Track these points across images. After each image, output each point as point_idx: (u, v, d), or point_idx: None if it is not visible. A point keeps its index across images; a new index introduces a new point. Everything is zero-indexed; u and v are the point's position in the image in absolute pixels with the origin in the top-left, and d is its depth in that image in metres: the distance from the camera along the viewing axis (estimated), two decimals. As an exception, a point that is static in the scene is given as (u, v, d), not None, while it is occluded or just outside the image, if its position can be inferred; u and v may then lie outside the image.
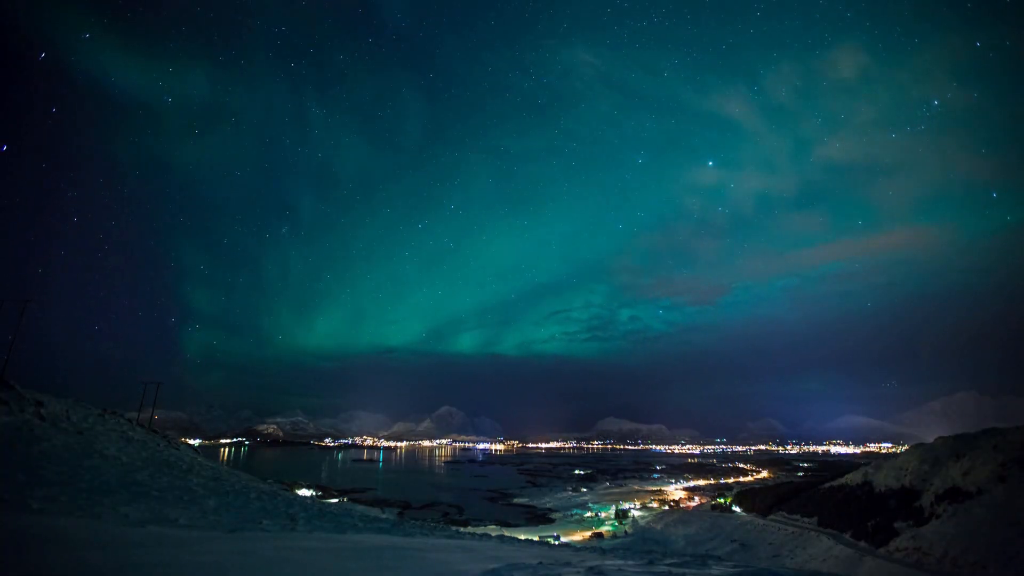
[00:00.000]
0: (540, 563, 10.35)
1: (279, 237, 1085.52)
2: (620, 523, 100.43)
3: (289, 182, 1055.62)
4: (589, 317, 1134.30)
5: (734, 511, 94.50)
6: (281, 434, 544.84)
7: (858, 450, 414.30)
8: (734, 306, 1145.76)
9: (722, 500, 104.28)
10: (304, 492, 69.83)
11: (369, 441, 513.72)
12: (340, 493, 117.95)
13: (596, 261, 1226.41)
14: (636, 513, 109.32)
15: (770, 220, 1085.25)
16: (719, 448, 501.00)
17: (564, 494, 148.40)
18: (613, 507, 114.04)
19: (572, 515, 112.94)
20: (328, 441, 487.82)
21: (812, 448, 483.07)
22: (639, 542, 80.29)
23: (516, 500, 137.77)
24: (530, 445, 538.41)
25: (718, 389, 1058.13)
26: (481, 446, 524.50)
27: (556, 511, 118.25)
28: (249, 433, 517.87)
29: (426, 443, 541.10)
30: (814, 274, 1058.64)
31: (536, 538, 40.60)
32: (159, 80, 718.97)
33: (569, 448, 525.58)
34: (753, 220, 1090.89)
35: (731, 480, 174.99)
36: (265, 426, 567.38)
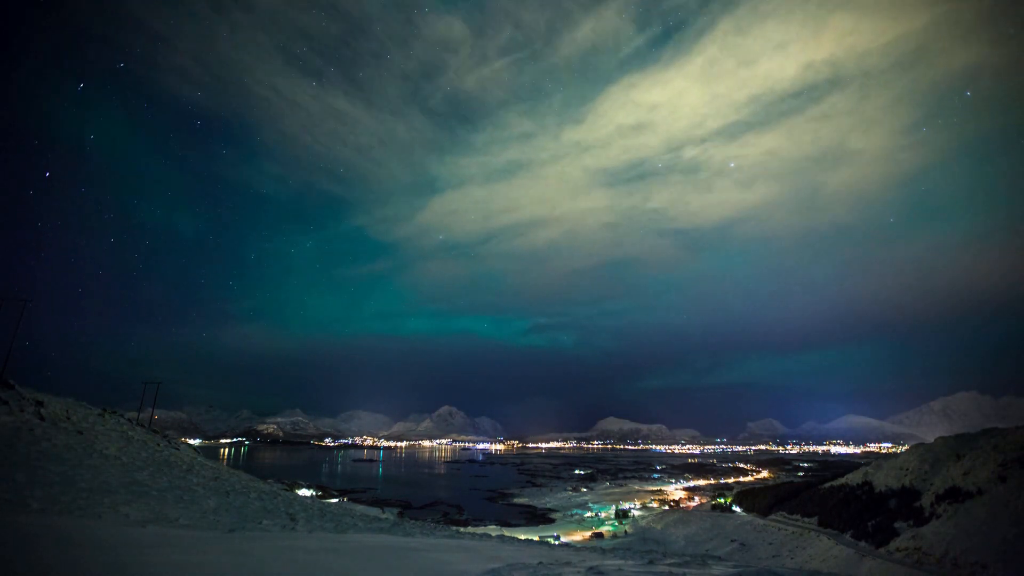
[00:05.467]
0: (540, 563, 10.34)
1: (282, 246, 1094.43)
2: (620, 523, 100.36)
3: (301, 193, 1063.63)
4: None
5: (734, 511, 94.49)
6: (281, 434, 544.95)
7: (858, 450, 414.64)
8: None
9: (722, 500, 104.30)
10: (304, 492, 69.86)
11: (369, 441, 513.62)
12: (340, 493, 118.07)
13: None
14: (636, 513, 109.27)
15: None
16: (719, 448, 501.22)
17: (564, 494, 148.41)
18: (613, 507, 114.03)
19: (572, 515, 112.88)
20: (328, 441, 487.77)
21: (812, 448, 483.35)
22: (639, 542, 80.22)
23: (516, 500, 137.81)
24: (530, 445, 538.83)
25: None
26: (481, 446, 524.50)
27: (556, 511, 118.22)
28: (249, 433, 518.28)
29: (426, 443, 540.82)
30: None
31: (536, 538, 40.56)
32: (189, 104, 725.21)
33: (569, 448, 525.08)
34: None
35: (731, 480, 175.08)
36: (265, 426, 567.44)
